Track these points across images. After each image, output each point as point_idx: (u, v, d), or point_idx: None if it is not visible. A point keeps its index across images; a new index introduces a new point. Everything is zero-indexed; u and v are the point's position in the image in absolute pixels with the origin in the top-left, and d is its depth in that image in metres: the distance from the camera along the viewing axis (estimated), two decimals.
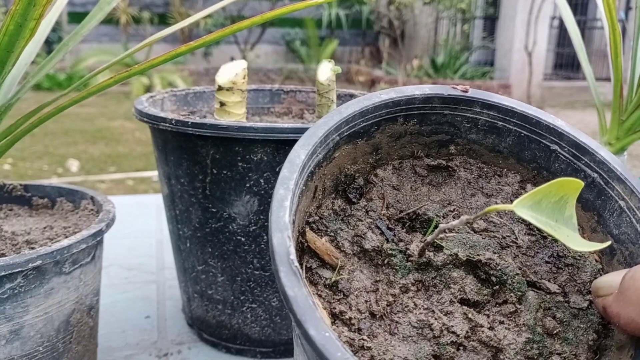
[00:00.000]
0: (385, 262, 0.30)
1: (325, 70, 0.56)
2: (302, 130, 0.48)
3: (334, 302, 0.28)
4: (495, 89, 6.72)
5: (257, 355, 0.59)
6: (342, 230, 0.31)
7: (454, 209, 0.34)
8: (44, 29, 0.48)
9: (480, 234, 0.32)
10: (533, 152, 0.35)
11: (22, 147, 3.97)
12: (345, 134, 0.32)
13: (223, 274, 0.56)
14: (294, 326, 0.23)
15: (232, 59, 0.57)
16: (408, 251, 0.31)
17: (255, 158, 0.50)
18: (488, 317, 0.29)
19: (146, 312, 0.67)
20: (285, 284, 0.22)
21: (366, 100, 0.32)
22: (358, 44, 8.90)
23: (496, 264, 0.30)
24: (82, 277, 0.45)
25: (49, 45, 5.55)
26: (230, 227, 0.53)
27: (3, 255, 0.43)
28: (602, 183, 0.33)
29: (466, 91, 0.35)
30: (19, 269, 0.39)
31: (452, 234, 0.31)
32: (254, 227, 0.53)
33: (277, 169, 0.50)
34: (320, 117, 0.58)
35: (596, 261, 0.33)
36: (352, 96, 0.69)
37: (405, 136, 0.35)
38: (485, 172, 0.36)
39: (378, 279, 0.30)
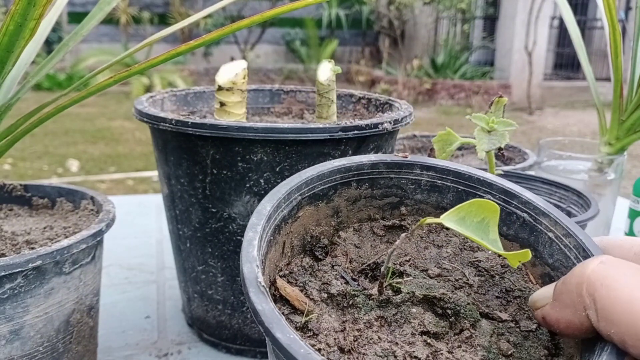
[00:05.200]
0: (350, 303, 0.33)
1: (325, 70, 0.56)
2: (302, 130, 0.48)
3: (304, 340, 0.30)
4: (495, 89, 6.72)
5: (257, 355, 0.59)
6: (310, 281, 0.34)
7: (409, 259, 0.37)
8: (44, 29, 0.48)
9: (435, 279, 0.35)
10: None
11: (22, 147, 3.97)
12: (307, 194, 0.35)
13: (223, 274, 0.56)
14: (265, 338, 0.27)
15: (232, 59, 0.57)
16: (370, 292, 0.34)
17: (255, 158, 0.50)
18: (447, 344, 0.32)
19: (146, 312, 0.67)
20: (254, 301, 0.26)
21: (322, 166, 0.37)
22: (358, 44, 8.90)
23: (449, 297, 0.33)
24: (82, 277, 0.45)
25: (49, 45, 5.55)
26: (230, 227, 0.53)
27: (3, 255, 0.43)
28: (532, 220, 0.36)
29: (406, 157, 0.39)
30: (19, 269, 0.39)
31: (409, 279, 0.34)
32: None
33: (277, 169, 0.50)
34: (321, 117, 0.58)
35: None
36: (351, 96, 0.69)
37: (360, 200, 0.39)
38: (434, 227, 0.40)
39: (345, 319, 0.32)
